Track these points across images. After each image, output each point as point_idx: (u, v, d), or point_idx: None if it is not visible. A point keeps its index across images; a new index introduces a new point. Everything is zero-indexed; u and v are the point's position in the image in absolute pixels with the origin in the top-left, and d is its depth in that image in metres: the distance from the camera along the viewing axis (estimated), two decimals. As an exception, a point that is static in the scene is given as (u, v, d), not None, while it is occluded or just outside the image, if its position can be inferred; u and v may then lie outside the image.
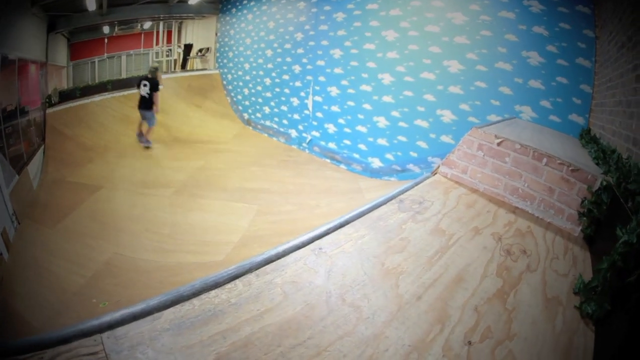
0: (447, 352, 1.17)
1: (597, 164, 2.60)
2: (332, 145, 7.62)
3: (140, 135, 7.64)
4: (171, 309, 1.05)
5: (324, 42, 7.81)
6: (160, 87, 7.64)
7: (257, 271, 1.30)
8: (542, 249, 1.91)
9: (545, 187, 2.32)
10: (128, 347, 0.92)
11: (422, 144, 6.15)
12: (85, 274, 3.36)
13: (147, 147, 7.54)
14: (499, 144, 2.51)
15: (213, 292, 1.14)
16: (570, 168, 2.24)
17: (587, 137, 3.76)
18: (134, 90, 8.08)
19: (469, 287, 1.50)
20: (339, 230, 1.74)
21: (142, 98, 7.37)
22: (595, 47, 4.41)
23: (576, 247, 2.02)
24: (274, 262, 1.37)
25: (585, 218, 2.10)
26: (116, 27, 9.69)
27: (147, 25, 10.46)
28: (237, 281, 1.22)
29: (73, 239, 3.95)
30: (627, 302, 1.25)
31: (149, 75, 7.50)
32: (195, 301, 1.09)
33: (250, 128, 9.86)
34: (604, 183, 2.06)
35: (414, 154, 6.27)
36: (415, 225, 1.94)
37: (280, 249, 1.45)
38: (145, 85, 7.32)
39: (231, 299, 1.14)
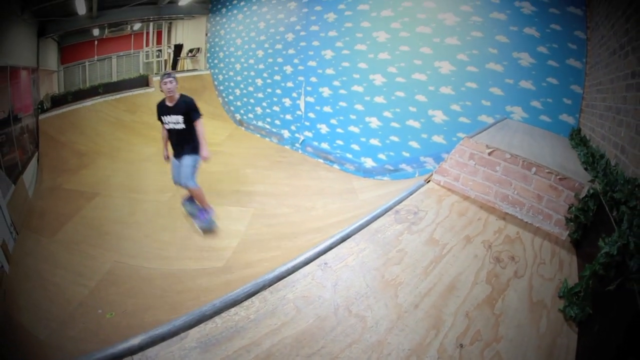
0: (441, 354, 1.31)
1: (586, 168, 2.74)
2: (324, 145, 7.71)
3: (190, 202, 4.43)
4: (196, 328, 1.17)
5: (315, 43, 7.85)
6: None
7: (270, 288, 1.43)
8: (529, 254, 2.06)
9: (534, 195, 2.47)
10: (161, 367, 1.03)
11: (414, 144, 6.26)
12: (88, 284, 3.36)
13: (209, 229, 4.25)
14: (490, 154, 2.65)
15: (233, 310, 1.27)
16: (558, 177, 2.38)
17: (577, 138, 3.88)
18: (126, 94, 7.95)
19: (461, 295, 1.65)
20: (341, 244, 1.88)
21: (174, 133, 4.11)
22: (587, 48, 4.48)
23: (563, 250, 2.17)
24: (285, 279, 1.50)
25: (572, 223, 2.25)
26: (106, 30, 9.65)
27: (137, 26, 10.41)
28: (253, 298, 1.34)
29: (73, 248, 3.95)
30: (609, 307, 1.39)
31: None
32: (218, 319, 1.22)
33: (243, 129, 9.88)
34: (591, 191, 2.20)
35: (406, 154, 6.38)
36: (411, 237, 2.08)
37: (290, 265, 1.58)
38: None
39: (250, 316, 1.27)
